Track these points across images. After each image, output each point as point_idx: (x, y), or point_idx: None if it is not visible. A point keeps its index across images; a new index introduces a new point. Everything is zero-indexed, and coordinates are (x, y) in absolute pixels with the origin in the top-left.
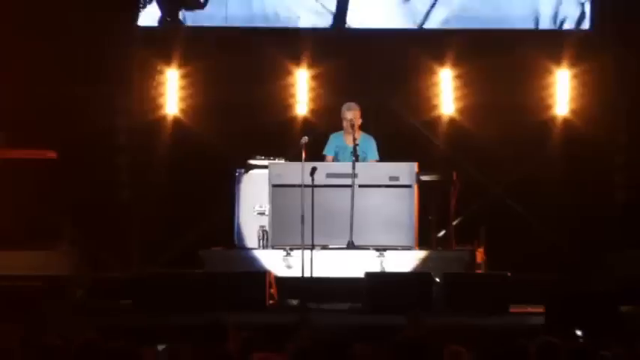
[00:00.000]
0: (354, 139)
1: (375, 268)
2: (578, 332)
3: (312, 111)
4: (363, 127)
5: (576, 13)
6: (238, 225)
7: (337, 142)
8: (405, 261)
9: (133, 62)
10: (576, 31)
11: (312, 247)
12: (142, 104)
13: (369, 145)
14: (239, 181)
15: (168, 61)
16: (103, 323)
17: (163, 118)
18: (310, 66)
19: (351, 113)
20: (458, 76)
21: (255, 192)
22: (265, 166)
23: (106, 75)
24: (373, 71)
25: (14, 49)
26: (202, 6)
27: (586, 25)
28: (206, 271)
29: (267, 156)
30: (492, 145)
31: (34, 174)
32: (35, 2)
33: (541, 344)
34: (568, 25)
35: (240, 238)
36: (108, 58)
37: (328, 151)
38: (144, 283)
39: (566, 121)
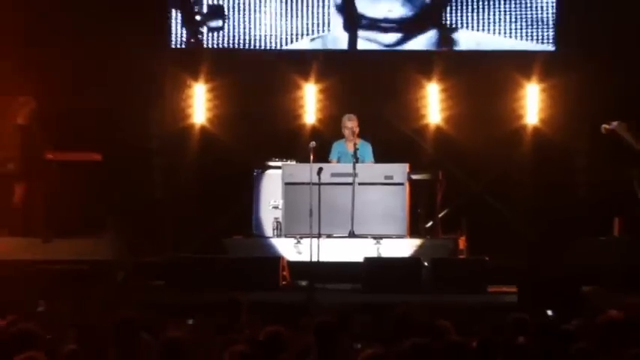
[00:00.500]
0: (355, 144)
1: (373, 254)
2: (549, 312)
3: (319, 120)
4: (361, 134)
5: None
6: (256, 217)
7: (339, 148)
8: (399, 248)
9: (165, 78)
10: (544, 52)
11: (319, 236)
12: (174, 114)
13: (366, 149)
14: (257, 180)
15: (196, 77)
16: (140, 301)
17: (192, 126)
18: (317, 81)
19: (351, 123)
20: (443, 90)
21: (270, 189)
22: (279, 167)
23: (142, 89)
24: (371, 86)
25: (67, 67)
26: (220, 28)
27: (552, 46)
28: (228, 256)
29: (281, 158)
30: (473, 148)
31: (82, 173)
32: (86, 26)
33: (514, 319)
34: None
35: (258, 228)
36: (145, 75)
37: (332, 156)
38: (176, 267)
39: (535, 128)
